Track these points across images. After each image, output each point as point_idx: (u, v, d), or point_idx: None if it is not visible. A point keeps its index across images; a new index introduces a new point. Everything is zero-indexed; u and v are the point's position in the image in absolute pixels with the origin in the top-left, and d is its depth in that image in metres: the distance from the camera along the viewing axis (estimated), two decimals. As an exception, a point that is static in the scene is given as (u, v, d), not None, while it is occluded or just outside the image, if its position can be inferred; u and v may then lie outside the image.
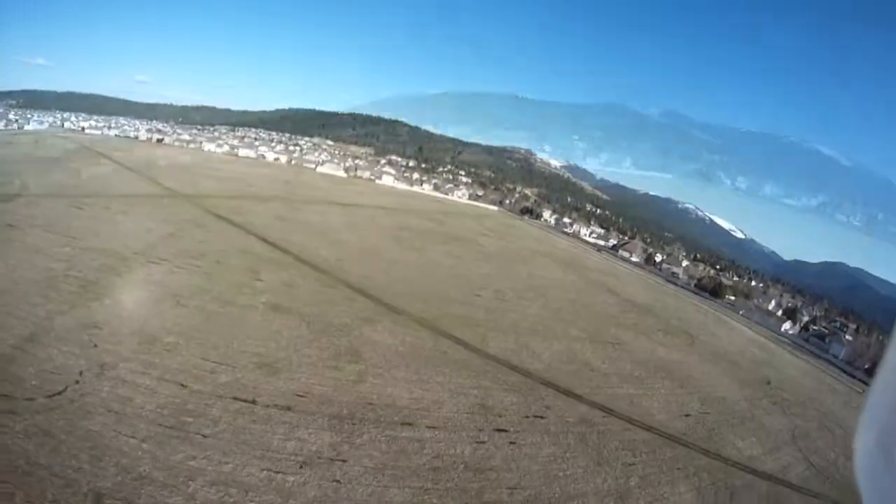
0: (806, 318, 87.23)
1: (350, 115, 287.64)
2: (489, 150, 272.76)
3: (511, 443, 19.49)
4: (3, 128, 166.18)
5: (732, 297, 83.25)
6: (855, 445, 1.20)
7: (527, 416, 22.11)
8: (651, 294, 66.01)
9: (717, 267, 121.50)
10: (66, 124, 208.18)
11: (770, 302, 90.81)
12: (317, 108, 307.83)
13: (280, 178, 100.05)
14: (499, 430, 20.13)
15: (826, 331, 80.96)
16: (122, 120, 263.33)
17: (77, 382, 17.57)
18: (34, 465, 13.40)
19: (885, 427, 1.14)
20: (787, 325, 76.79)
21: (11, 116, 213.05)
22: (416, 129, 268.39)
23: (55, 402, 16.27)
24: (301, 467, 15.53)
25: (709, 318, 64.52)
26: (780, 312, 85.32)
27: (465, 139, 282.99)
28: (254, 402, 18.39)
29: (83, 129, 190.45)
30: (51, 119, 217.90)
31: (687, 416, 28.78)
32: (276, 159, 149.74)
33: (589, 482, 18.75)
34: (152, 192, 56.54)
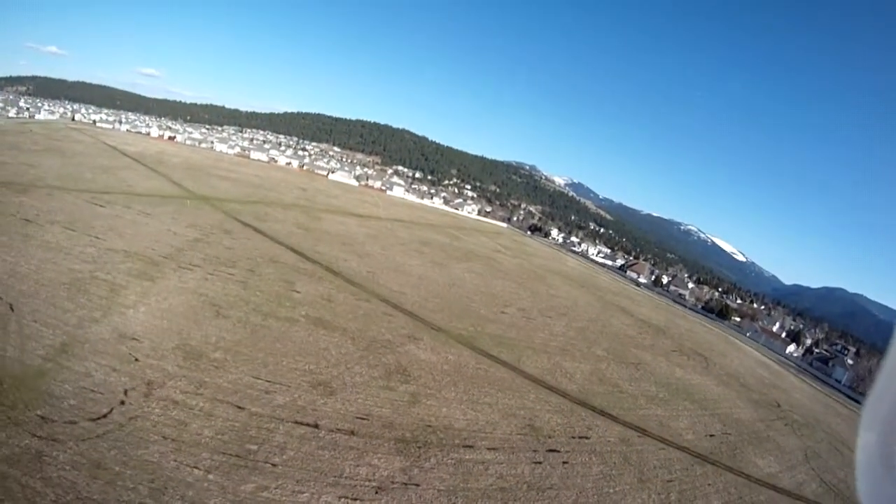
0: (809, 341, 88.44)
1: (358, 121, 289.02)
2: (494, 164, 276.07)
3: (564, 462, 20.38)
4: (14, 116, 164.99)
5: (738, 319, 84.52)
6: (857, 447, 1.19)
7: (573, 437, 23.04)
8: (663, 315, 67.31)
9: (721, 290, 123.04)
10: (77, 116, 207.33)
11: (774, 324, 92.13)
12: (325, 112, 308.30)
13: (295, 185, 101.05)
14: (551, 451, 21.01)
15: (828, 354, 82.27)
16: (131, 115, 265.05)
17: (122, 403, 16.19)
18: (87, 501, 12.23)
19: (886, 429, 1.15)
20: (791, 348, 78.04)
21: (22, 104, 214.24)
22: (423, 139, 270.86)
23: (101, 427, 14.80)
24: (377, 493, 15.64)
25: (718, 339, 65.79)
26: (783, 335, 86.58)
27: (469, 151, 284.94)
28: (316, 426, 18.07)
29: (94, 122, 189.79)
30: (61, 110, 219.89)
31: (711, 436, 30.01)
32: (288, 164, 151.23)
33: (637, 498, 19.73)
34: (171, 193, 56.86)
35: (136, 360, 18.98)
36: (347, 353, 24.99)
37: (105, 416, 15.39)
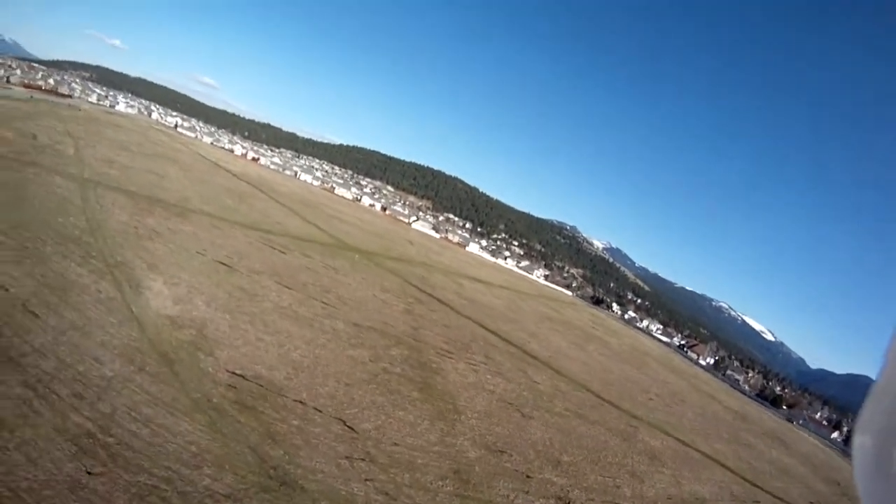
0: (846, 429, 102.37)
1: (412, 164, 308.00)
2: (539, 222, 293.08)
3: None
4: (96, 102, 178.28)
5: (785, 407, 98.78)
6: (854, 447, 1.24)
7: (755, 502, 38.02)
8: (735, 401, 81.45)
9: (762, 374, 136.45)
10: (154, 115, 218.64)
11: (816, 413, 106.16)
12: (378, 150, 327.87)
13: (400, 235, 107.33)
14: (751, 510, 35.94)
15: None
16: (199, 122, 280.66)
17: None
18: None
19: (883, 430, 1.15)
20: (835, 434, 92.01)
21: (100, 91, 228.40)
22: (475, 189, 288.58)
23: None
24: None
25: (782, 426, 79.86)
26: (824, 422, 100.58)
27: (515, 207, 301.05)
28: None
29: (175, 126, 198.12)
30: (136, 104, 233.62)
31: (811, 502, 44.18)
32: (372, 206, 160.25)
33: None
34: (322, 239, 58.23)
35: (528, 476, 20.22)
36: (618, 444, 31.23)
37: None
